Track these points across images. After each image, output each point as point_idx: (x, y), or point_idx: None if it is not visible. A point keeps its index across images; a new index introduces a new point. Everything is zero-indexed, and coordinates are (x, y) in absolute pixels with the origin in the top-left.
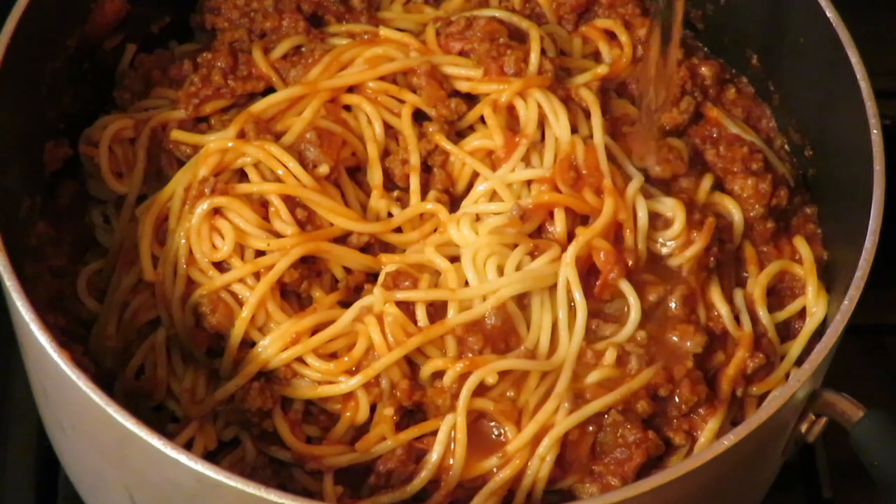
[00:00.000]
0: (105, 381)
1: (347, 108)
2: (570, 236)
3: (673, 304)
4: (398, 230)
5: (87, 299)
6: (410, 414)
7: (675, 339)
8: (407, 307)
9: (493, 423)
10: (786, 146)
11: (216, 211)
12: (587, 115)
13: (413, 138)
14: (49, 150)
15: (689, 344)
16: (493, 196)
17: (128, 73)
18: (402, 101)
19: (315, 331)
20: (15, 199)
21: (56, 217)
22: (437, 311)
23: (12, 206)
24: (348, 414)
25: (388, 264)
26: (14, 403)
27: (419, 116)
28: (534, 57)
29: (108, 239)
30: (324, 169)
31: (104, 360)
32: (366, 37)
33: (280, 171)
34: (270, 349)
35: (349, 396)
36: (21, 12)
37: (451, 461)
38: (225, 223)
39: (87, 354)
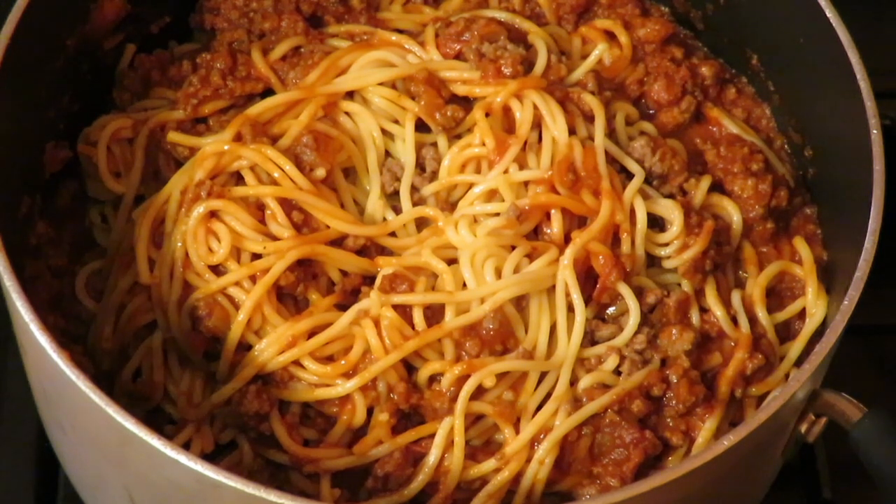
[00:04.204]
0: (104, 381)
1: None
2: (568, 238)
3: (669, 306)
4: (394, 234)
5: (86, 299)
6: (408, 417)
7: (667, 339)
8: (404, 310)
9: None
10: (786, 146)
11: (212, 214)
12: (587, 117)
13: (412, 151)
14: (49, 150)
15: (679, 343)
16: (488, 197)
17: (127, 74)
18: (401, 107)
19: (312, 334)
20: (15, 199)
21: (56, 217)
22: (434, 313)
23: (12, 206)
24: (345, 417)
25: (385, 267)
26: (14, 403)
27: (419, 121)
28: (541, 60)
29: (106, 239)
30: (320, 172)
31: (102, 362)
32: (365, 37)
33: (276, 174)
34: (267, 352)
35: (346, 399)
36: (21, 12)
37: (449, 464)
38: (221, 226)
39: (87, 354)
